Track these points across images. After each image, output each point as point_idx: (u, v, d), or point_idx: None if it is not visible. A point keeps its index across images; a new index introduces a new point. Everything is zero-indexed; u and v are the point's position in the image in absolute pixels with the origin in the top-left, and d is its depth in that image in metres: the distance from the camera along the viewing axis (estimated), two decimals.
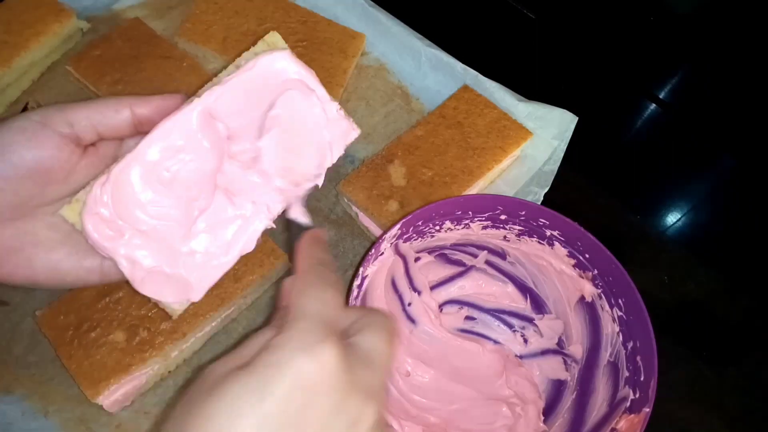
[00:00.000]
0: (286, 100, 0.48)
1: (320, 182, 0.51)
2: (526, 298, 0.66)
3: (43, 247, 0.47)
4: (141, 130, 0.48)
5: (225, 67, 0.48)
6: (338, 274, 0.42)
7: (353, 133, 0.51)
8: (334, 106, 0.50)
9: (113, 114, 0.47)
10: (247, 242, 0.50)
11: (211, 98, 0.47)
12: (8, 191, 0.44)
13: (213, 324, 0.64)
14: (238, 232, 0.49)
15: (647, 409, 0.51)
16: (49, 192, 0.46)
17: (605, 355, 0.59)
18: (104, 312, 0.61)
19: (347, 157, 0.76)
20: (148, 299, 0.55)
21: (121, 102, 0.47)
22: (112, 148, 0.49)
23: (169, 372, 0.64)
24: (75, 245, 0.47)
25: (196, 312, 0.62)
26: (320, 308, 0.37)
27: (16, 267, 0.46)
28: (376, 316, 0.41)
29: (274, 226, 0.50)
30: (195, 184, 0.47)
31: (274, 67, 0.48)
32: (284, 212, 0.50)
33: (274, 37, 0.49)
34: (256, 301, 0.67)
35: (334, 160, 0.51)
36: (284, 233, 0.49)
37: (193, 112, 0.46)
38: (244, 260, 0.64)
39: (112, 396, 0.59)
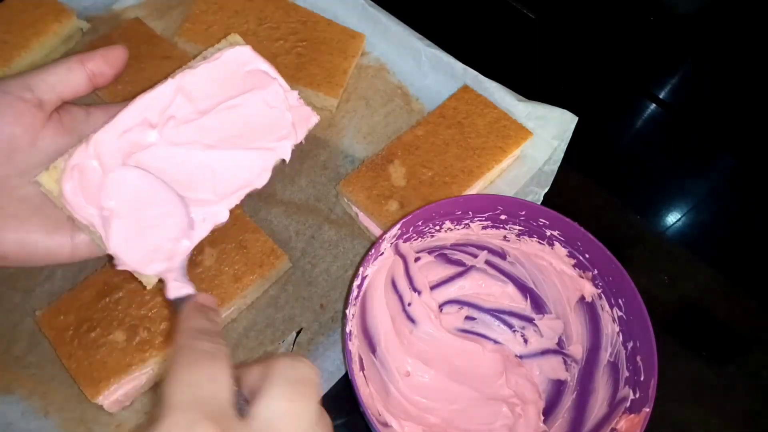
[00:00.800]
0: (248, 95, 0.52)
1: (287, 156, 0.53)
2: (526, 298, 0.66)
3: (12, 221, 0.46)
4: (97, 84, 0.50)
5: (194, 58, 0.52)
6: (222, 342, 0.38)
7: (314, 118, 0.55)
8: (294, 94, 0.54)
9: (66, 72, 0.48)
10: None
11: (183, 79, 0.50)
12: None
13: None
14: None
15: (647, 409, 0.52)
16: (14, 162, 0.46)
17: (605, 355, 0.59)
18: (104, 312, 0.61)
19: (347, 157, 0.76)
20: (149, 299, 0.55)
21: (71, 59, 0.48)
22: (76, 119, 0.50)
23: None
24: (45, 219, 0.47)
25: None
26: (190, 393, 0.33)
27: None
28: (280, 369, 0.36)
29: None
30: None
31: (239, 58, 0.52)
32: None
33: (235, 37, 0.54)
34: (256, 301, 0.67)
35: (299, 140, 0.54)
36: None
37: (168, 87, 0.49)
38: (244, 260, 0.64)
39: (112, 396, 0.59)
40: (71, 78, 0.48)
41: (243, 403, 0.36)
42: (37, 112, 0.46)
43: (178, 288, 0.45)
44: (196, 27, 0.78)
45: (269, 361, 0.38)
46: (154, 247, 0.47)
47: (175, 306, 0.45)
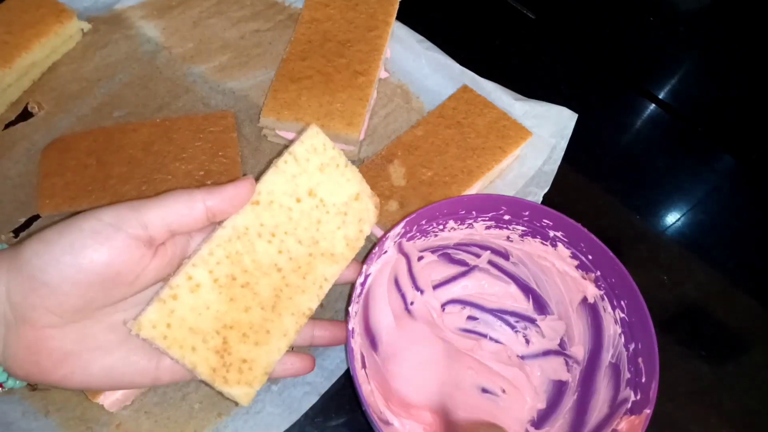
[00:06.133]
0: None
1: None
2: (529, 298, 0.66)
3: (101, 351, 0.46)
4: (215, 221, 0.47)
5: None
6: None
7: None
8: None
9: (187, 211, 0.45)
10: None
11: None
12: (74, 295, 0.42)
13: None
14: None
15: (648, 411, 0.51)
16: (115, 294, 0.44)
17: (607, 357, 0.59)
18: None
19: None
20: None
21: (193, 197, 0.45)
22: (180, 246, 0.48)
23: None
24: (133, 347, 0.46)
25: None
26: None
27: (72, 372, 0.45)
28: None
29: None
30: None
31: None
32: None
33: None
34: None
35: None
36: None
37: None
38: None
39: (112, 396, 0.58)
40: (191, 216, 0.45)
41: None
42: (147, 250, 0.44)
43: None
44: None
45: None
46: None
47: None
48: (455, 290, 0.67)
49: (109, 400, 0.58)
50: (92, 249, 0.42)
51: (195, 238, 0.49)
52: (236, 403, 0.50)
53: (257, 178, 0.49)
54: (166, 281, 0.46)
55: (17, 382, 0.49)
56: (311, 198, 0.51)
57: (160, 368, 0.48)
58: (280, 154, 0.50)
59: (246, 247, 0.48)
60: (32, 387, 0.60)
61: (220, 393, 0.48)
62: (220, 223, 0.48)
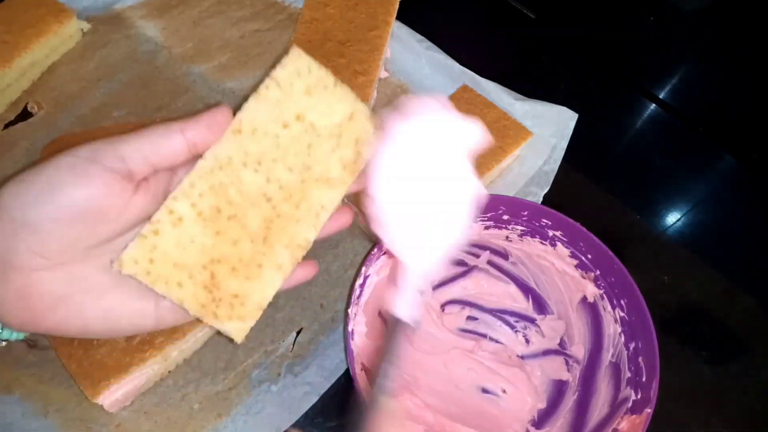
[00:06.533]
0: None
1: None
2: (528, 298, 0.66)
3: (95, 292, 0.44)
4: (196, 152, 0.45)
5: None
6: None
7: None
8: None
9: (165, 142, 0.44)
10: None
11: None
12: (57, 234, 0.41)
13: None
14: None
15: (649, 410, 0.51)
16: (100, 232, 0.43)
17: (607, 356, 0.59)
18: None
19: None
20: None
21: (170, 128, 0.44)
22: (163, 182, 0.46)
23: (169, 372, 0.63)
24: (128, 288, 0.45)
25: None
26: None
27: (66, 317, 0.44)
28: None
29: None
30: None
31: None
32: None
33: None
34: None
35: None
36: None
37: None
38: None
39: (112, 396, 0.58)
40: (168, 148, 0.44)
41: None
42: (127, 184, 0.43)
43: (406, 308, 0.44)
44: None
45: None
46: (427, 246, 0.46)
47: (389, 327, 0.43)
48: (455, 290, 0.67)
49: (108, 400, 0.58)
50: (70, 184, 0.41)
51: (179, 174, 0.47)
52: (231, 340, 0.47)
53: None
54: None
55: (14, 333, 0.48)
56: (299, 123, 0.48)
57: (161, 308, 0.46)
58: (261, 81, 0.47)
59: (230, 178, 0.46)
60: (31, 344, 0.59)
61: (217, 331, 0.46)
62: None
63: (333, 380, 0.63)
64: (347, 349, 0.52)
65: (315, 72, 0.48)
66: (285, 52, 0.47)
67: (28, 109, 0.76)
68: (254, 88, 0.47)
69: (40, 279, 0.43)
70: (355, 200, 0.68)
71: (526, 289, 0.66)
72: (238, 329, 0.47)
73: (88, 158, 0.42)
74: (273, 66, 0.46)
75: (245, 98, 0.46)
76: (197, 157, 0.45)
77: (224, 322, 0.46)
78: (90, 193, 0.41)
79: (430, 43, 0.83)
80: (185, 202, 0.44)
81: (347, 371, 0.63)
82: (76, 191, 0.41)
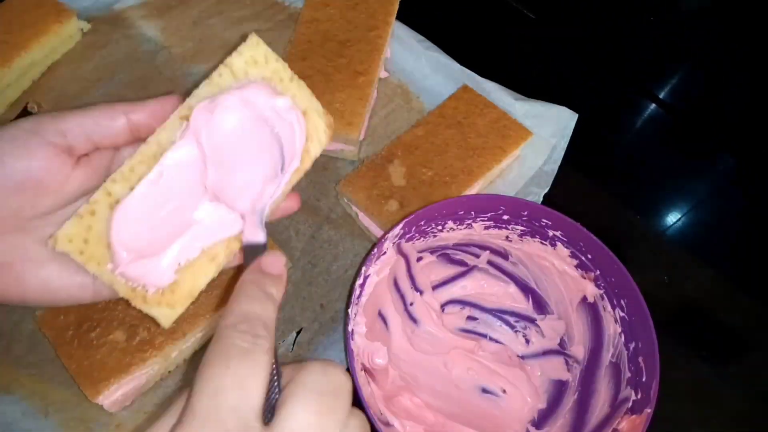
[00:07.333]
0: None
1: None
2: (528, 298, 0.66)
3: (34, 263, 0.45)
4: (138, 136, 0.46)
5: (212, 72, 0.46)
6: (264, 334, 0.35)
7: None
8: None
9: (108, 122, 0.45)
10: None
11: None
12: None
13: (213, 324, 0.64)
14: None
15: (649, 410, 0.52)
16: (40, 204, 0.44)
17: (607, 356, 0.59)
18: (104, 312, 0.61)
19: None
20: None
21: (115, 109, 0.45)
22: (106, 158, 0.47)
23: (169, 372, 0.63)
24: (67, 261, 0.45)
25: (196, 312, 0.61)
26: (214, 403, 0.31)
27: (6, 285, 0.44)
28: (310, 377, 0.34)
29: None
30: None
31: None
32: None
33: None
34: None
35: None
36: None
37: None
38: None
39: (112, 396, 0.58)
40: (112, 128, 0.45)
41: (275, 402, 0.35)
42: (67, 158, 0.44)
43: (253, 233, 0.44)
44: None
45: (300, 365, 0.36)
46: (244, 184, 0.45)
47: (245, 257, 0.43)
48: (455, 290, 0.67)
49: (108, 400, 0.58)
50: (10, 155, 0.42)
51: (122, 154, 0.48)
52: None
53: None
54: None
55: None
56: None
57: (98, 282, 0.46)
58: (215, 67, 0.46)
59: None
60: None
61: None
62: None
63: None
64: (347, 349, 0.52)
65: (272, 63, 0.47)
66: (243, 39, 0.46)
67: (28, 109, 0.76)
68: (208, 74, 0.46)
69: None
70: (363, 205, 0.68)
71: (526, 289, 0.66)
72: (166, 315, 0.46)
73: (30, 131, 0.43)
74: (229, 53, 0.45)
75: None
76: (142, 138, 0.45)
77: (152, 307, 0.45)
78: (30, 165, 0.42)
79: (430, 43, 0.83)
80: (124, 185, 0.44)
81: (347, 371, 0.63)
82: (17, 162, 0.42)
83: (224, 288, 0.63)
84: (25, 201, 0.43)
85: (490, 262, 0.66)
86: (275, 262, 0.41)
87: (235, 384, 0.32)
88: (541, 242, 0.61)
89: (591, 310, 0.61)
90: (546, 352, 0.64)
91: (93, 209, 0.43)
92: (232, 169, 0.45)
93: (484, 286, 0.67)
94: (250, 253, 0.44)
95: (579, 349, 0.62)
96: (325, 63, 0.76)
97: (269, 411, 0.34)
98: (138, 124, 0.45)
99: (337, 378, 0.36)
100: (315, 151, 0.49)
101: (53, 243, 0.42)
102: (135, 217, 0.44)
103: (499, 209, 0.60)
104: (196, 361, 0.64)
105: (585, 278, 0.60)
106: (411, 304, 0.63)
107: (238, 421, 0.31)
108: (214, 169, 0.45)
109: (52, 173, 0.43)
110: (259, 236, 0.44)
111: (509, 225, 0.62)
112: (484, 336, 0.66)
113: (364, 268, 0.55)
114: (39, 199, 0.44)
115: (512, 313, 0.67)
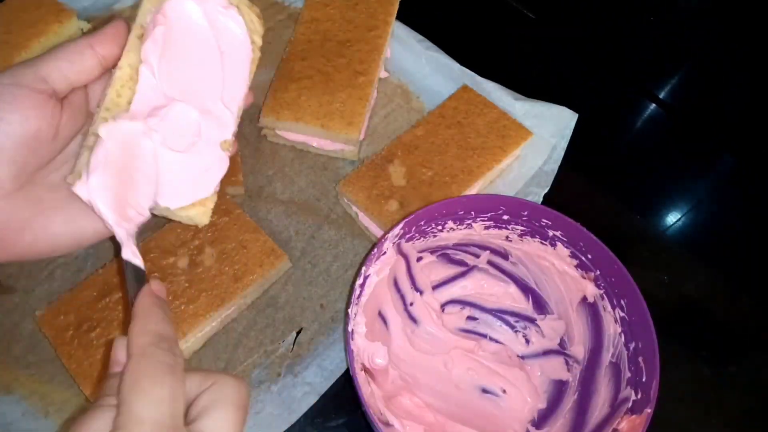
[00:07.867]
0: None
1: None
2: (528, 298, 0.66)
3: (54, 209, 0.46)
4: (107, 66, 0.47)
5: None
6: (178, 351, 0.39)
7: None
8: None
9: (79, 58, 0.46)
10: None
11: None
12: (5, 161, 0.43)
13: (213, 324, 0.64)
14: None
15: (649, 410, 0.51)
16: (40, 155, 0.45)
17: (607, 356, 0.59)
18: (104, 312, 0.61)
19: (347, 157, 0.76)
20: None
21: (78, 44, 0.46)
22: (80, 98, 0.49)
23: None
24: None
25: (196, 312, 0.61)
26: (157, 411, 0.35)
27: (35, 237, 0.46)
28: (229, 392, 0.39)
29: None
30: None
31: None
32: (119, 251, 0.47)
33: None
34: (256, 301, 0.67)
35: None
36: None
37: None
38: (244, 260, 0.64)
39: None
40: (83, 64, 0.46)
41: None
42: (56, 102, 0.45)
43: (133, 253, 0.45)
44: None
45: (215, 377, 0.40)
46: (206, 84, 0.50)
47: (127, 276, 0.45)
48: (455, 290, 0.67)
49: None
50: (6, 111, 0.42)
51: (92, 89, 0.50)
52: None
53: None
54: (84, 133, 0.47)
55: None
56: None
57: None
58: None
59: None
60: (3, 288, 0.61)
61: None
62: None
63: (333, 380, 0.63)
64: (347, 349, 0.52)
65: None
66: None
67: None
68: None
69: (1, 208, 0.44)
70: (361, 203, 0.68)
71: (526, 289, 0.66)
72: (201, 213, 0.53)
73: (13, 84, 0.43)
74: None
75: None
76: (108, 72, 0.48)
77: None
78: (26, 117, 0.43)
79: (430, 43, 0.83)
80: (117, 110, 0.47)
81: (347, 371, 0.63)
82: (12, 116, 0.43)
83: (224, 287, 0.63)
84: (29, 153, 0.44)
85: (490, 262, 0.66)
86: (161, 288, 0.44)
87: (171, 396, 0.36)
88: (541, 242, 0.61)
89: (591, 310, 0.61)
90: (546, 352, 0.64)
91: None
92: (190, 70, 0.50)
93: (484, 286, 0.67)
94: (132, 273, 0.45)
95: (579, 349, 0.62)
96: (325, 63, 0.76)
97: None
98: (104, 54, 0.47)
99: (247, 394, 0.40)
100: (258, 41, 0.55)
101: (72, 182, 0.44)
102: None
103: (499, 209, 0.60)
104: (196, 360, 0.64)
105: (585, 278, 0.60)
106: (411, 304, 0.63)
107: (175, 428, 0.35)
108: (171, 74, 0.50)
109: (47, 120, 0.44)
110: (137, 260, 0.45)
111: (509, 225, 0.62)
112: (484, 336, 0.66)
113: (364, 268, 0.55)
114: (38, 150, 0.45)
115: (512, 313, 0.67)
